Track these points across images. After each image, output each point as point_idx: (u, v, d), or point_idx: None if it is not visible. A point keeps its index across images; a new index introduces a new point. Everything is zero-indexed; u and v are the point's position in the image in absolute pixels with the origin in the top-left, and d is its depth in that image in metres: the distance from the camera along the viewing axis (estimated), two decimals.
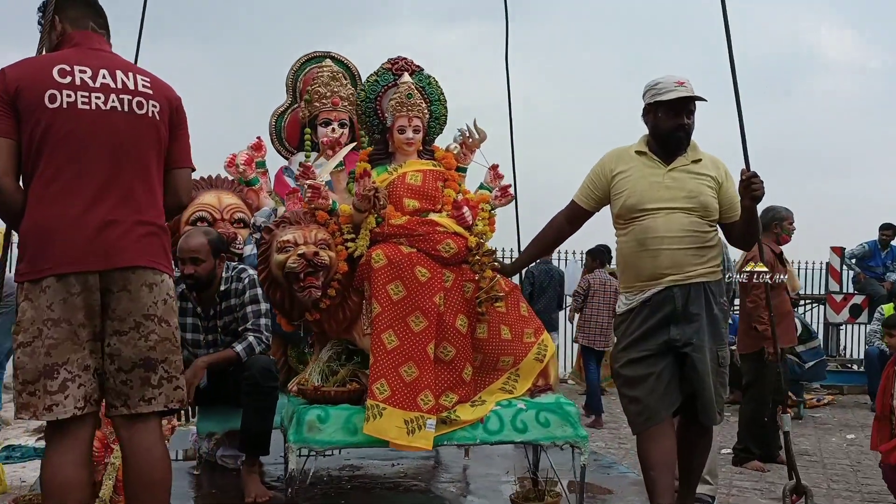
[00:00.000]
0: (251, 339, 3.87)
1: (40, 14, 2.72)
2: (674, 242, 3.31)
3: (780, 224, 5.76)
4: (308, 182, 3.34)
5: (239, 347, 3.85)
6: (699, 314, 3.30)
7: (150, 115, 2.59)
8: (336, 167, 3.54)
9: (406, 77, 3.55)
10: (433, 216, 3.40)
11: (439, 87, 3.65)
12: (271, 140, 4.83)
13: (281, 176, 4.67)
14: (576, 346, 9.14)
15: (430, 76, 3.65)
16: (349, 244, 3.30)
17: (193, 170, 2.83)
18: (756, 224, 3.35)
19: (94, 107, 2.50)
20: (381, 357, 3.14)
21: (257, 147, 4.62)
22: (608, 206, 3.54)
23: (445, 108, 3.68)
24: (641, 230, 3.36)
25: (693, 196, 3.35)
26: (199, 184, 4.44)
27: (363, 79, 4.22)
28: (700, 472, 3.54)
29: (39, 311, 2.41)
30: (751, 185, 3.24)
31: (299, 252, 3.14)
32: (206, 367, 3.79)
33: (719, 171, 3.44)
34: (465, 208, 3.39)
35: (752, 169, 3.33)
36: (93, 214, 2.46)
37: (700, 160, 3.43)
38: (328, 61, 4.72)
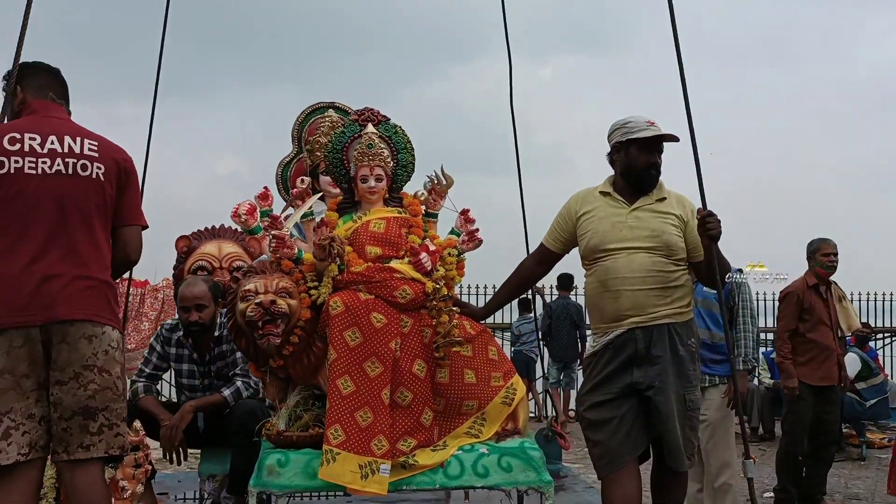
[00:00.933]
0: (239, 383, 4.01)
1: (5, 82, 2.95)
2: (635, 283, 3.27)
3: (812, 256, 5.57)
4: (273, 232, 3.45)
5: (227, 392, 3.99)
6: (662, 356, 3.23)
7: (94, 176, 2.77)
8: (305, 217, 3.65)
9: (369, 128, 3.64)
10: (394, 262, 3.45)
11: (405, 136, 3.72)
12: (278, 189, 5.01)
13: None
14: None
15: (396, 126, 3.73)
16: (312, 291, 3.39)
17: (145, 227, 2.98)
18: (715, 263, 3.27)
19: (39, 171, 2.70)
20: (337, 402, 3.19)
21: (264, 196, 4.79)
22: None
23: (412, 155, 3.74)
24: (603, 271, 3.34)
25: (656, 235, 3.31)
26: (203, 234, 4.66)
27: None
28: None
29: None
30: (706, 224, 3.18)
31: (256, 301, 3.25)
32: (194, 410, 3.94)
33: (685, 210, 3.39)
34: (424, 254, 3.43)
35: (719, 206, 3.27)
36: (34, 270, 2.64)
37: (665, 199, 3.40)
38: (330, 111, 4.89)
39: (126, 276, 8.48)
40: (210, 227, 4.74)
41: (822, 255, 5.47)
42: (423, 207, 3.73)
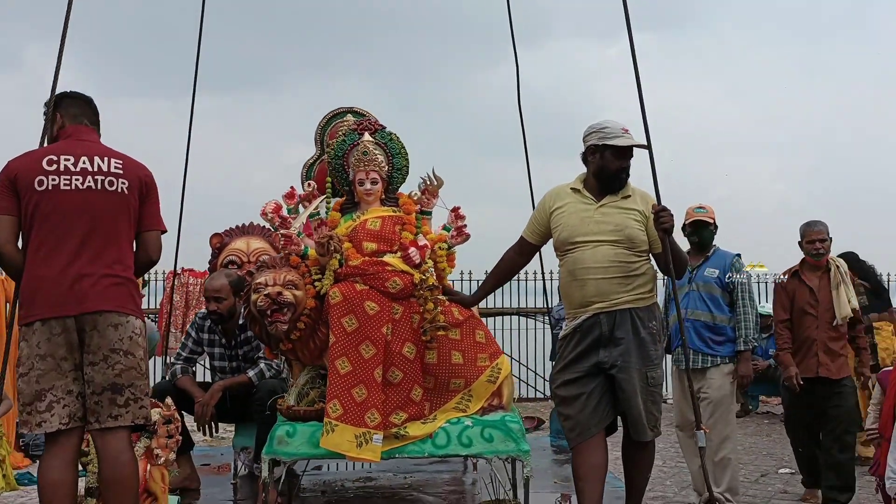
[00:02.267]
0: (262, 365, 4.51)
1: (46, 108, 3.46)
2: (599, 272, 3.62)
3: (800, 243, 5.15)
4: (282, 231, 3.92)
5: (251, 373, 4.50)
6: (624, 338, 3.58)
7: (119, 190, 3.27)
8: (312, 217, 4.11)
9: (366, 136, 4.08)
10: (387, 257, 3.88)
11: (400, 142, 4.15)
12: (303, 188, 5.49)
13: (307, 221, 5.33)
14: None
15: (391, 133, 4.15)
16: (317, 283, 3.84)
17: (163, 231, 3.48)
18: (668, 253, 3.59)
19: (73, 187, 3.20)
20: (336, 380, 3.65)
21: (290, 196, 5.29)
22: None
23: (406, 160, 4.17)
24: (572, 261, 3.69)
25: (619, 229, 3.64)
26: (234, 231, 5.17)
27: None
28: (644, 484, 3.79)
29: (31, 349, 3.12)
30: (660, 218, 3.51)
31: (265, 293, 3.72)
32: (222, 389, 4.46)
33: (647, 206, 3.71)
34: (412, 249, 3.85)
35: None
36: (69, 271, 3.15)
37: (629, 196, 3.72)
38: (349, 116, 5.33)
39: (181, 267, 9.04)
40: (241, 225, 5.25)
41: (807, 243, 5.02)
42: (418, 206, 4.15)
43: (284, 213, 5.21)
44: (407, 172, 4.18)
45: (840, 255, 6.08)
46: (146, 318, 3.56)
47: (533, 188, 5.59)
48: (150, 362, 8.66)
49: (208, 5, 5.58)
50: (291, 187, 5.39)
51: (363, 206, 4.10)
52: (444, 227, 4.16)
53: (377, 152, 4.07)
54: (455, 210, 4.14)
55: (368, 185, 4.04)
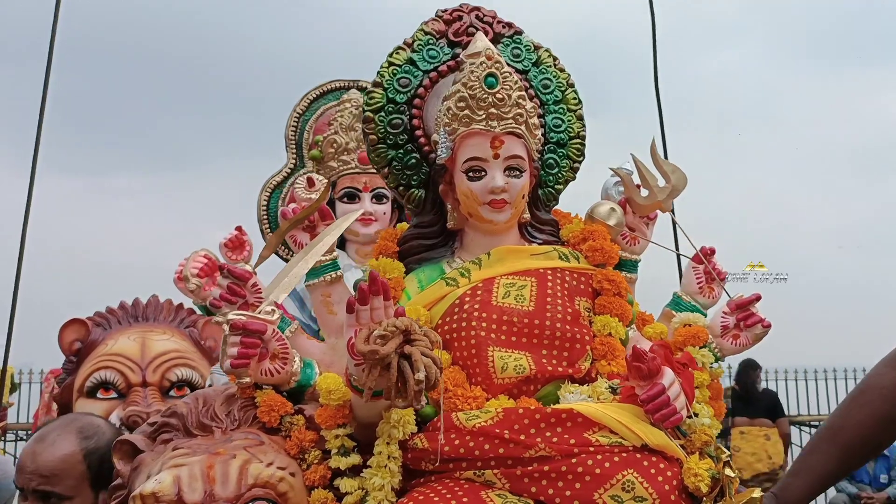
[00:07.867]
0: None
1: None
2: None
3: None
4: (230, 316, 1.24)
5: None
6: None
7: None
8: (316, 275, 1.46)
9: (480, 42, 1.42)
10: (569, 396, 1.23)
11: (562, 70, 1.53)
12: (261, 230, 2.78)
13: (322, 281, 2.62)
14: None
15: (538, 46, 1.53)
16: (346, 484, 1.17)
17: None
18: None
19: None
20: None
21: (236, 244, 2.59)
22: None
23: (579, 118, 1.54)
24: None
25: None
26: (114, 315, 2.42)
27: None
28: None
29: None
30: None
31: None
32: None
33: None
34: (669, 375, 1.19)
35: None
36: None
37: None
38: (353, 93, 2.70)
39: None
40: (131, 304, 2.49)
41: None
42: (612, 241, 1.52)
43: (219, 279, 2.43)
44: (581, 151, 1.54)
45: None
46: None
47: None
48: None
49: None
50: (238, 228, 2.70)
51: (474, 241, 1.43)
52: (678, 304, 1.52)
53: (514, 87, 1.41)
54: (706, 255, 1.52)
55: (499, 178, 1.36)
